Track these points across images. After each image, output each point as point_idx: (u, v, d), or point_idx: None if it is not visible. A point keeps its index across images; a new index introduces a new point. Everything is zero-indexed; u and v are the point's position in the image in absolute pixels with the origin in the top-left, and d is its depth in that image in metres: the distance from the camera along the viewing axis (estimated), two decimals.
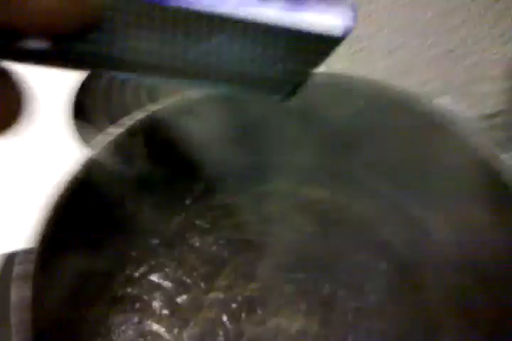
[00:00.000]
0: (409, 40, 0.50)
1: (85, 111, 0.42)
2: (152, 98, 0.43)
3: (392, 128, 0.28)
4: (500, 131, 0.43)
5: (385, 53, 0.49)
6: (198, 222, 0.31)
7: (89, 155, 0.26)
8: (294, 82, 0.13)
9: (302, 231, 0.31)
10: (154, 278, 0.28)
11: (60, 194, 0.24)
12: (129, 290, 0.27)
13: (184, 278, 0.28)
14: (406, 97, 0.29)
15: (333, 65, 0.50)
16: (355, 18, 0.12)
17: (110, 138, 0.27)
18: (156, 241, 0.30)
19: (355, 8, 0.12)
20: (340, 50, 0.45)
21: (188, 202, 0.31)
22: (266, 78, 0.13)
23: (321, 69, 0.45)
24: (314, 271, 0.29)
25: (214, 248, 0.30)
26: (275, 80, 0.13)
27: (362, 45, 0.50)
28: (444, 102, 0.45)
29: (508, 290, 0.25)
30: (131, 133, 0.28)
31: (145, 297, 0.27)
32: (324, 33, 0.12)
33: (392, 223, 0.31)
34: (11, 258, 0.24)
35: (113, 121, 0.41)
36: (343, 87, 0.30)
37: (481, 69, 0.47)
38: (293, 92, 0.13)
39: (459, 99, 0.44)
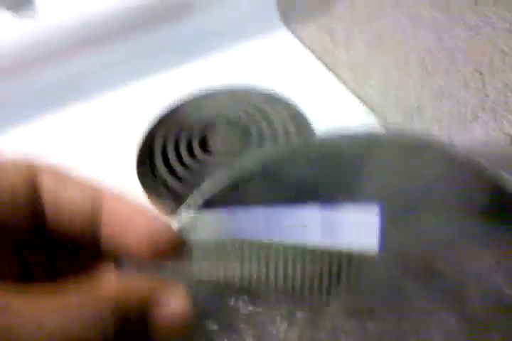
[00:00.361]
0: (438, 62, 0.52)
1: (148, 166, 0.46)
2: (204, 147, 0.47)
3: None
4: None
5: (415, 78, 0.51)
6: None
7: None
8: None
9: (364, 274, 0.34)
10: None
11: None
12: None
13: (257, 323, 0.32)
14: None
15: (367, 96, 0.53)
16: (380, 231, 0.15)
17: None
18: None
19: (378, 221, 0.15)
20: (371, 81, 0.48)
21: None
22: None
23: (356, 100, 0.49)
24: (382, 316, 0.32)
25: (282, 296, 0.33)
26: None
27: (392, 72, 0.52)
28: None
29: None
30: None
31: None
32: (360, 252, 0.16)
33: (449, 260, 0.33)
34: None
35: (173, 174, 0.45)
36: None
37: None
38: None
39: (492, 119, 0.46)
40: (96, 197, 0.16)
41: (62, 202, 0.16)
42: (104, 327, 0.14)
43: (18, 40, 0.44)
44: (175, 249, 0.16)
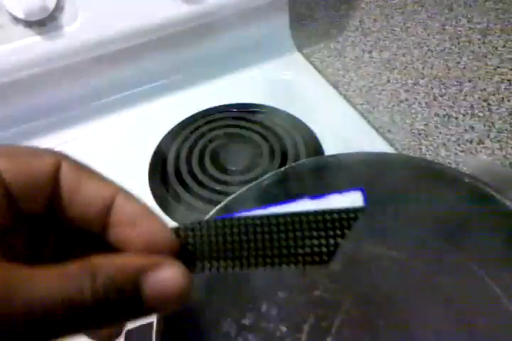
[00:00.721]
0: (445, 89, 0.54)
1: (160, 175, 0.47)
2: (215, 163, 0.48)
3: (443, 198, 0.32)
4: None
5: (423, 104, 0.53)
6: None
7: None
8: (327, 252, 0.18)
9: (368, 287, 0.35)
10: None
11: None
12: None
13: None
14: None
15: (376, 120, 0.54)
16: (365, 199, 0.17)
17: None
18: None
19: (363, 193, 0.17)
20: (380, 106, 0.49)
21: None
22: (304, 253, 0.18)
23: (366, 124, 0.49)
24: (385, 325, 0.33)
25: (289, 307, 0.34)
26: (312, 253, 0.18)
27: (401, 97, 0.54)
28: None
29: None
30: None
31: None
32: (347, 208, 0.18)
33: (455, 280, 0.34)
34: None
35: (185, 187, 0.46)
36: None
37: None
38: (329, 257, 0.18)
39: (497, 147, 0.47)
40: (110, 192, 0.18)
41: (78, 193, 0.18)
42: (93, 288, 0.15)
43: (38, 56, 0.45)
44: (170, 250, 0.18)
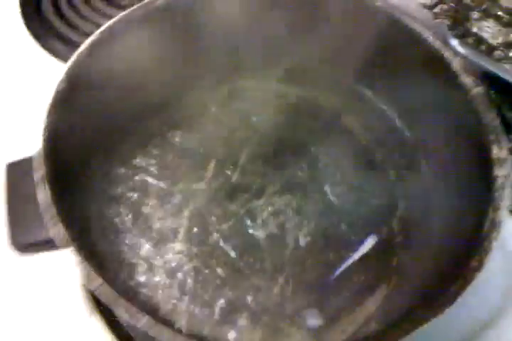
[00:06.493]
0: None
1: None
2: None
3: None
4: None
5: None
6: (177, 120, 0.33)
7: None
8: None
9: (275, 123, 0.34)
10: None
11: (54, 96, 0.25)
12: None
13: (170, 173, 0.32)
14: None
15: None
16: None
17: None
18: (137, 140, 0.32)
19: None
20: None
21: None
22: None
23: None
24: (290, 157, 0.33)
25: (194, 145, 0.33)
26: None
27: None
28: None
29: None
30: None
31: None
32: None
33: (356, 113, 0.34)
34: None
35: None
36: None
37: None
38: None
39: None
40: None
41: None
42: None
43: None
44: None
